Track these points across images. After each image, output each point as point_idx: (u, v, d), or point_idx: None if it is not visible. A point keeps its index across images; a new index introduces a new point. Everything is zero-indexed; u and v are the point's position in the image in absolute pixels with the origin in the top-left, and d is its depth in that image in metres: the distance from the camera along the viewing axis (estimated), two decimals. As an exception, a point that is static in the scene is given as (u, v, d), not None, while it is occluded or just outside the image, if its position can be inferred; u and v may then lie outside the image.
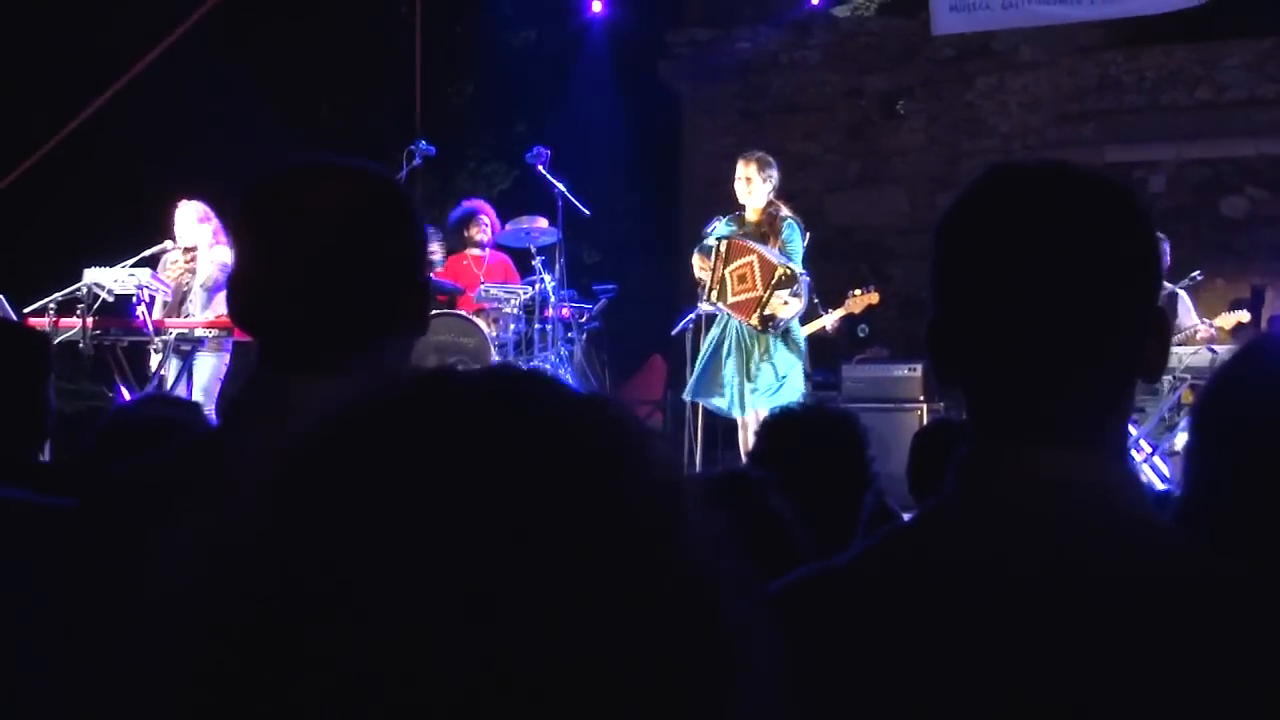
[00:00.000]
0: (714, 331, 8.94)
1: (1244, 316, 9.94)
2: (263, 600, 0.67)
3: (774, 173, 8.79)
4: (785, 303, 8.58)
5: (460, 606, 0.66)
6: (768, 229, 8.73)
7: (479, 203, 10.92)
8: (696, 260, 8.95)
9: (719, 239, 8.75)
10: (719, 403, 8.80)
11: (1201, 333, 9.20)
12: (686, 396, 9.07)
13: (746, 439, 8.33)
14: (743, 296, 8.63)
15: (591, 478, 0.71)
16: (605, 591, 0.68)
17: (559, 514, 0.69)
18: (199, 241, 9.07)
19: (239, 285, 1.85)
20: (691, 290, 9.36)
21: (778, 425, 3.50)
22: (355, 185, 1.84)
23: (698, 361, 8.96)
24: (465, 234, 10.59)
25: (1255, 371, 1.75)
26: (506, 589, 0.66)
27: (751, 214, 8.79)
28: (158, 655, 0.70)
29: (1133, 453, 8.12)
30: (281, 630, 0.66)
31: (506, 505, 0.68)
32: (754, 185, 8.73)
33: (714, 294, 8.72)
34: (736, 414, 8.78)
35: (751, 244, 8.63)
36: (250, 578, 0.69)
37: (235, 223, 1.88)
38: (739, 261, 8.64)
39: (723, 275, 8.66)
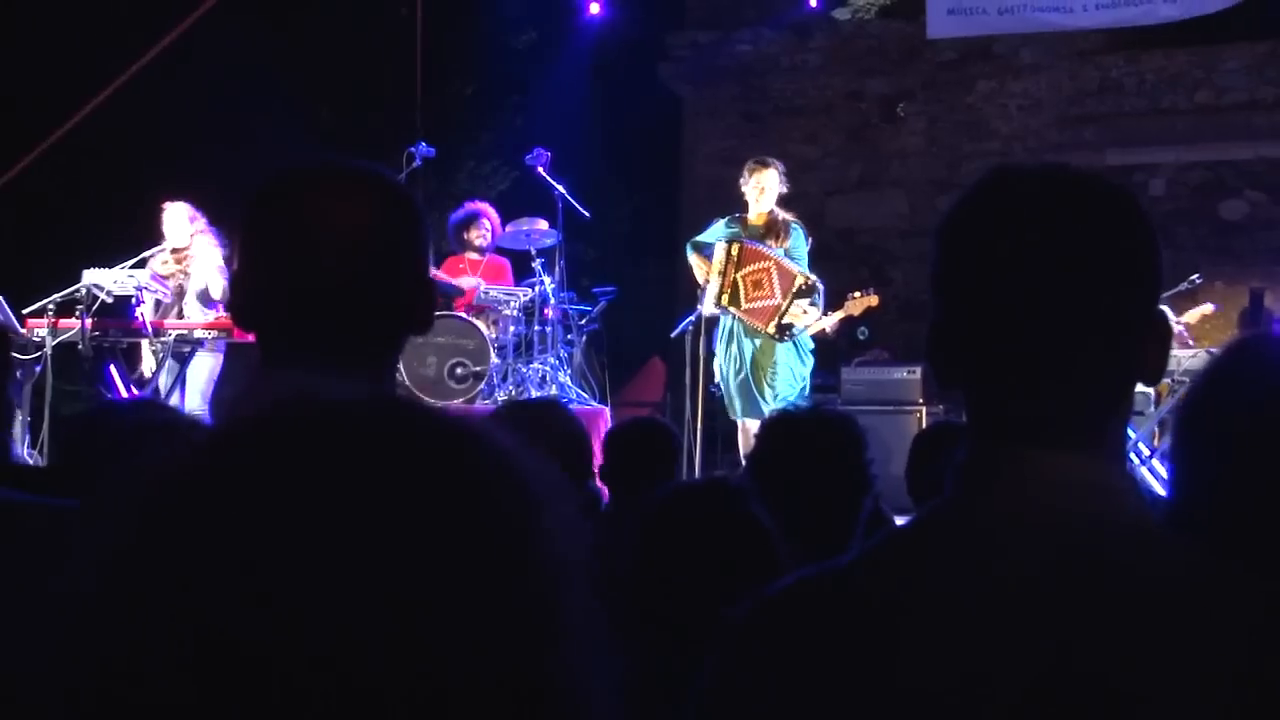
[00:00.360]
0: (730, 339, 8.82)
1: (1208, 309, 9.96)
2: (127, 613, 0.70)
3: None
4: (804, 311, 8.49)
5: (310, 608, 0.69)
6: (778, 231, 8.65)
7: (482, 206, 10.87)
8: (694, 260, 8.85)
9: (727, 241, 8.65)
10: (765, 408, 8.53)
11: None
12: (738, 417, 8.85)
13: (747, 442, 8.19)
14: (759, 304, 8.51)
15: (433, 491, 0.74)
16: (444, 596, 0.71)
17: (408, 523, 0.72)
18: (190, 241, 9.05)
19: (243, 286, 1.85)
20: (691, 293, 9.32)
21: (777, 427, 3.49)
22: (362, 187, 1.84)
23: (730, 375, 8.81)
24: (465, 236, 10.57)
25: (1242, 371, 1.75)
26: (344, 595, 0.69)
27: (755, 217, 8.71)
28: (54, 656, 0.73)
29: (1131, 456, 8.13)
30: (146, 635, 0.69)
31: (360, 517, 0.71)
32: (770, 192, 8.65)
33: (724, 298, 8.60)
34: (741, 417, 8.70)
35: (765, 249, 8.54)
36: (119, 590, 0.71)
37: (242, 225, 1.88)
38: (753, 266, 8.52)
39: (735, 280, 8.55)
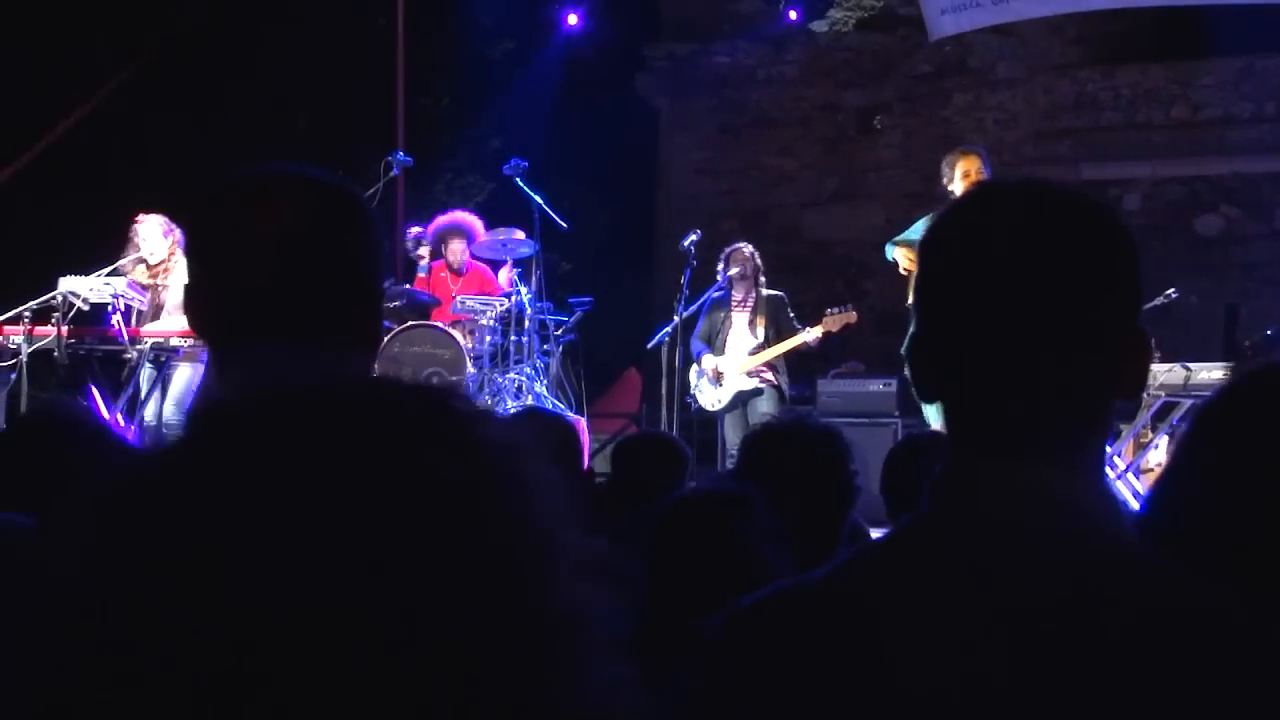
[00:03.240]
0: None
1: None
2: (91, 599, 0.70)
3: None
4: None
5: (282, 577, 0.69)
6: None
7: (468, 222, 10.83)
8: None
9: None
10: None
11: None
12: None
13: None
14: None
15: (400, 452, 0.74)
16: (414, 557, 0.71)
17: (376, 490, 0.72)
18: (168, 254, 8.99)
19: (193, 293, 1.84)
20: (667, 303, 9.26)
21: (761, 440, 3.46)
22: (305, 195, 1.82)
23: None
24: (444, 248, 10.60)
25: (1267, 399, 1.71)
26: (323, 559, 0.69)
27: None
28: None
29: (1106, 470, 8.12)
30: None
31: (332, 491, 0.72)
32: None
33: None
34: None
35: None
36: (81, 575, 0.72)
37: (186, 234, 1.87)
38: None
39: None
